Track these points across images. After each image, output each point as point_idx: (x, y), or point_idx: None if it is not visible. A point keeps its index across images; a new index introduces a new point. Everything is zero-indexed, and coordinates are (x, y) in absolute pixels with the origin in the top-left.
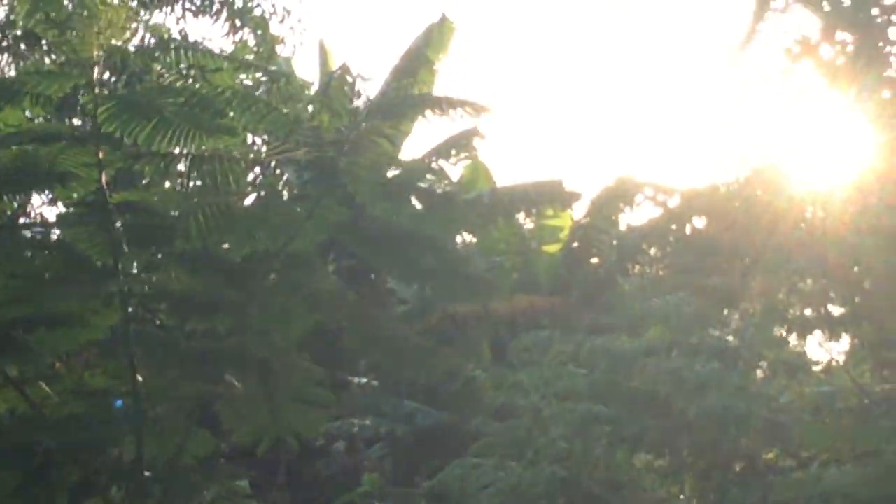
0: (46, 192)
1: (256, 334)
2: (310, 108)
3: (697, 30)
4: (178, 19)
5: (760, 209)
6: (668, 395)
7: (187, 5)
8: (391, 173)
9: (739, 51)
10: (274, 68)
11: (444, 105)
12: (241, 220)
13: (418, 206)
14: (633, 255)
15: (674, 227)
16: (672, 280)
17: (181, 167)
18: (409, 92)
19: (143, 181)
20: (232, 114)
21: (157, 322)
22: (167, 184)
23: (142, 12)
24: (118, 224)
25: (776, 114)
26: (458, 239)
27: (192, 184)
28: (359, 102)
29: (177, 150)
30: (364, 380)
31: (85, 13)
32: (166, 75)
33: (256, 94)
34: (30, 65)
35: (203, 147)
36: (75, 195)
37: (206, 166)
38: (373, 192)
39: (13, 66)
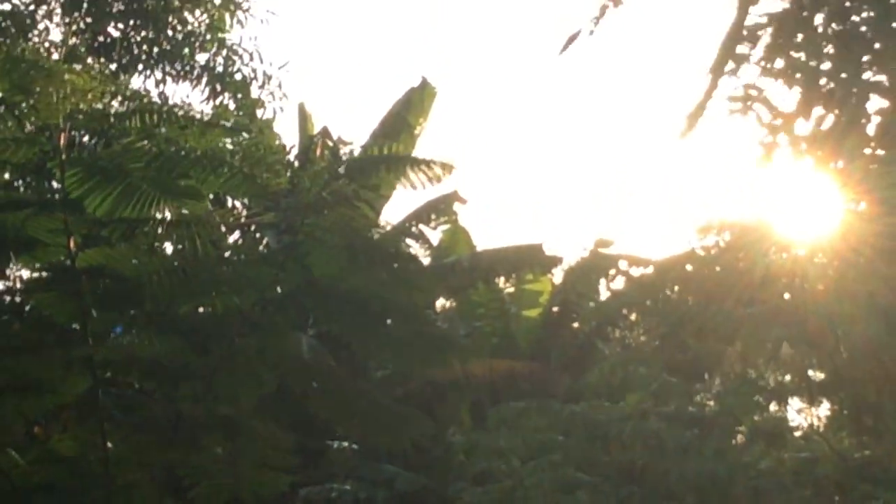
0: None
1: (224, 398)
2: (287, 172)
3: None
4: (158, 83)
5: (737, 277)
6: (647, 461)
7: (168, 69)
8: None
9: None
10: (249, 134)
11: (411, 163)
12: (207, 283)
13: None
14: (613, 320)
15: (647, 299)
16: (649, 348)
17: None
18: (383, 153)
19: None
20: (198, 176)
21: (127, 387)
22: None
23: (121, 76)
24: (85, 288)
25: (751, 179)
26: (438, 303)
27: (159, 247)
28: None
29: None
30: (343, 444)
31: (50, 79)
32: (132, 138)
33: (232, 157)
34: None
35: (168, 211)
36: (42, 262)
37: (177, 231)
38: (336, 256)
39: None
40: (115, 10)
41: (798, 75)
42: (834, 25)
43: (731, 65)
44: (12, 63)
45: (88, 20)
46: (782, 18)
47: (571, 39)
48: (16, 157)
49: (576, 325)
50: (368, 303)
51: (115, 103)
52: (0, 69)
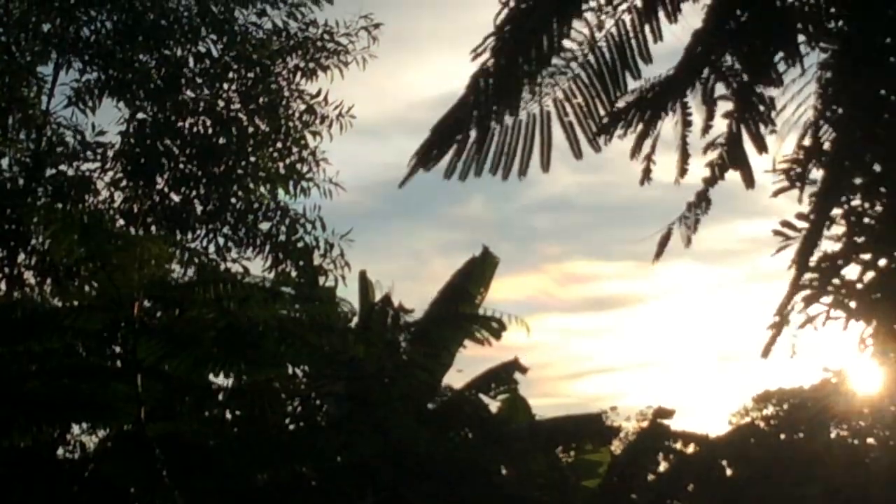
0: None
1: None
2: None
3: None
4: (220, 249)
5: (795, 451)
6: None
7: (229, 233)
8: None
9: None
10: (313, 303)
11: (473, 319)
12: (277, 453)
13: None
14: (671, 492)
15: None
16: None
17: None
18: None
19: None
20: (267, 346)
21: None
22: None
23: (181, 236)
24: (156, 457)
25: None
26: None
27: (229, 414)
28: (400, 335)
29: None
30: None
31: (126, 249)
32: (204, 310)
33: (296, 325)
34: (70, 295)
35: (243, 378)
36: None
37: (245, 399)
38: (409, 423)
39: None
40: (177, 175)
41: None
42: None
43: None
44: (87, 231)
45: (153, 186)
46: None
47: (662, 243)
48: (89, 324)
49: (634, 496)
50: (441, 465)
51: (182, 268)
52: (76, 237)
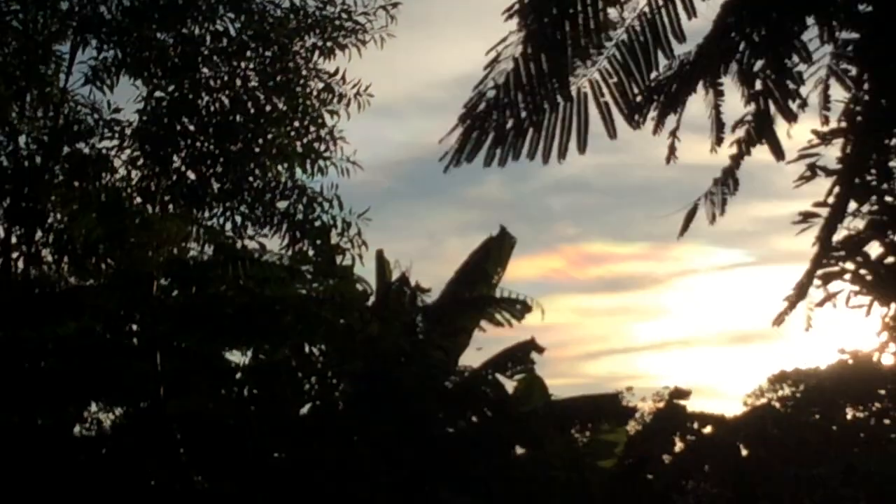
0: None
1: None
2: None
3: None
4: (237, 227)
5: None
6: None
7: (246, 211)
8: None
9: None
10: (330, 282)
11: (490, 302)
12: (295, 431)
13: None
14: (688, 472)
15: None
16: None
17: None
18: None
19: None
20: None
21: None
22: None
23: (198, 213)
24: (174, 434)
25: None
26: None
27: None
28: (417, 315)
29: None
30: None
31: (145, 229)
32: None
33: (314, 303)
34: (89, 273)
35: (261, 356)
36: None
37: (263, 377)
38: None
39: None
40: (194, 153)
41: None
42: None
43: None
44: (106, 209)
45: (170, 164)
46: None
47: (688, 219)
48: (108, 303)
49: (650, 476)
50: (457, 444)
51: (199, 246)
52: (94, 215)
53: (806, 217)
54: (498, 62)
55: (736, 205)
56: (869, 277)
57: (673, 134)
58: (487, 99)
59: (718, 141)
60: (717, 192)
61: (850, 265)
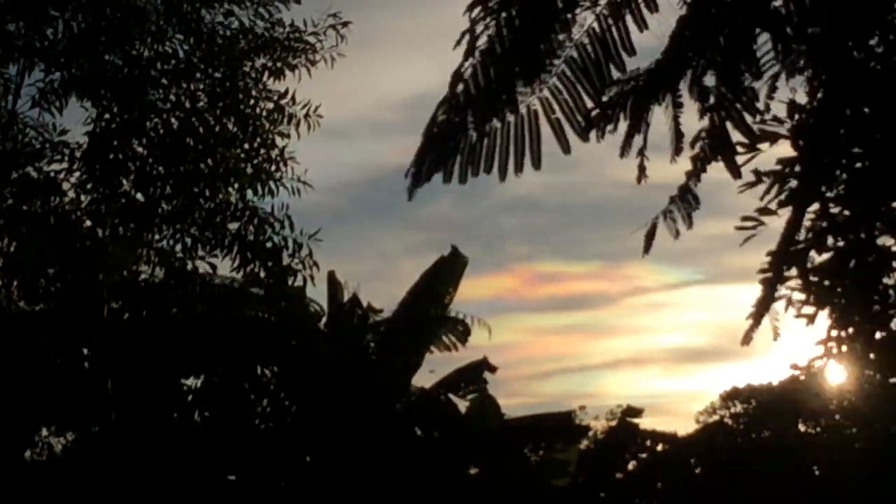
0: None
1: None
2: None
3: None
4: (188, 249)
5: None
6: None
7: (196, 233)
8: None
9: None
10: (282, 303)
11: (440, 322)
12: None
13: None
14: (641, 490)
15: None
16: None
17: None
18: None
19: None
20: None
21: None
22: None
23: (148, 236)
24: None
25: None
26: None
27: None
28: (368, 335)
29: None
30: None
31: (94, 252)
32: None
33: (265, 325)
34: (41, 299)
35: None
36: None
37: (215, 399)
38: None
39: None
40: (143, 175)
41: None
42: None
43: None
44: (56, 233)
45: (119, 186)
46: None
47: (649, 237)
48: (59, 327)
49: (603, 494)
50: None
51: (150, 269)
52: (45, 239)
53: (749, 221)
54: (456, 82)
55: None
56: (812, 286)
57: (641, 153)
58: (440, 120)
59: (677, 151)
60: (675, 210)
61: (794, 272)
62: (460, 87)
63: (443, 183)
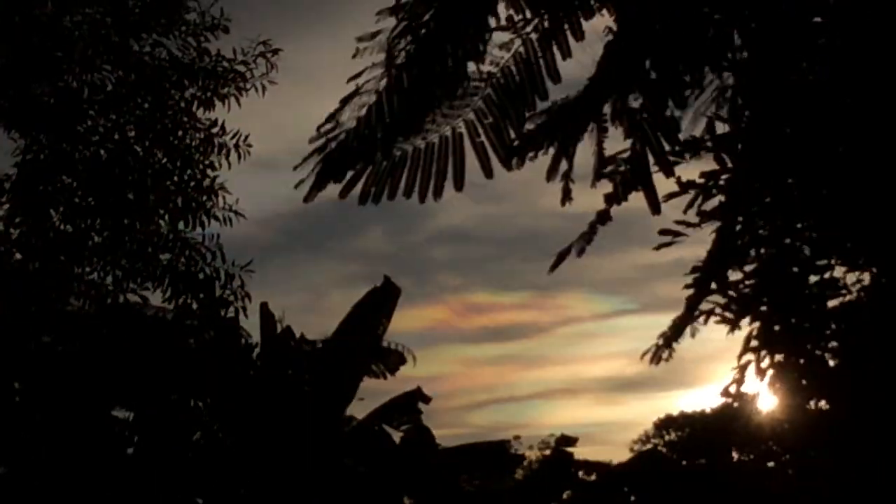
0: None
1: None
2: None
3: None
4: (119, 281)
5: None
6: None
7: (127, 265)
8: None
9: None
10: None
11: (371, 353)
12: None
13: None
14: None
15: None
16: None
17: None
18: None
19: None
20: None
21: None
22: None
23: (78, 268)
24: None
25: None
26: None
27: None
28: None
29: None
30: None
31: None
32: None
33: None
34: None
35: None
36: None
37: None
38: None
39: None
40: (72, 207)
41: None
42: None
43: None
44: None
45: (48, 218)
46: None
47: (561, 257)
48: None
49: None
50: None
51: (80, 302)
52: None
53: (668, 235)
54: (359, 94)
55: (617, 252)
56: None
57: (567, 177)
58: (346, 130)
59: (598, 177)
60: (591, 233)
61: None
62: (367, 99)
63: (358, 204)
